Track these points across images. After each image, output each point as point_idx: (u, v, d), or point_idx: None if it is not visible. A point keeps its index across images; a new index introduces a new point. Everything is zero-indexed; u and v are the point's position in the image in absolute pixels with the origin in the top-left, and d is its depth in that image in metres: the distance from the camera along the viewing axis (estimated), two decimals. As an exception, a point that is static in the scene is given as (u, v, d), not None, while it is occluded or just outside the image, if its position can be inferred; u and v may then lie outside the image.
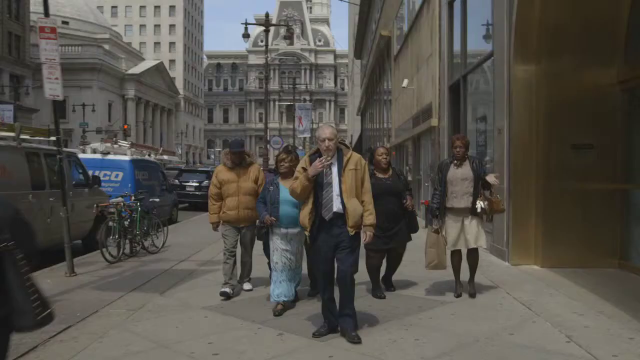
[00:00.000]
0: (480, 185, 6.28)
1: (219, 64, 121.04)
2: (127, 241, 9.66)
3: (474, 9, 10.91)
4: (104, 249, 8.99)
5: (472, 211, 6.27)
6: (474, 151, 9.71)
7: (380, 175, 6.62)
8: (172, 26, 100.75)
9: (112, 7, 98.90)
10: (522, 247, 7.99)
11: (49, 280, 7.78)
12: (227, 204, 6.69)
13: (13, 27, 49.67)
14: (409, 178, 17.57)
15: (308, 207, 4.87)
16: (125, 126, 56.67)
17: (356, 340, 4.68)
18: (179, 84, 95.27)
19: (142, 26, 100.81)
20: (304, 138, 44.32)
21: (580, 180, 7.84)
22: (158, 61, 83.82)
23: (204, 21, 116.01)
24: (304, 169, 4.85)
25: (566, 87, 7.65)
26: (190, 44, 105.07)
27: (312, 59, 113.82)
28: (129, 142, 19.65)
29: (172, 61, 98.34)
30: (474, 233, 6.34)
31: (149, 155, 17.74)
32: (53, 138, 9.43)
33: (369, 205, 4.88)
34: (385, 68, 27.45)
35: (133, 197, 10.25)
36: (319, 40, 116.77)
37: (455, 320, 5.46)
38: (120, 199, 9.94)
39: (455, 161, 6.39)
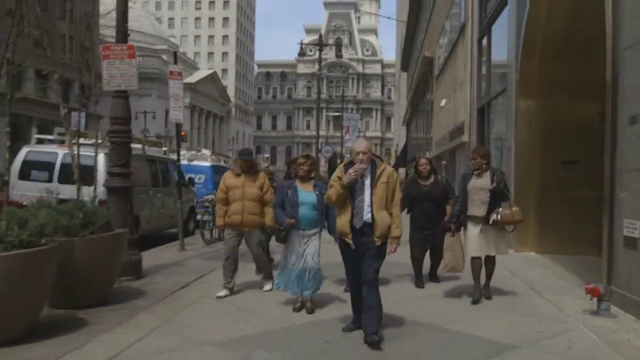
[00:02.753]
0: (496, 197, 6.54)
1: (268, 73, 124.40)
2: (216, 228, 12.49)
3: (496, 48, 13.40)
4: (203, 233, 11.88)
5: (487, 220, 6.54)
6: (495, 165, 12.13)
7: (421, 182, 7.56)
8: (225, 37, 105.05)
9: (169, 18, 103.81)
10: (522, 238, 10.42)
11: (168, 253, 10.67)
12: (232, 208, 6.91)
13: (84, 40, 53.88)
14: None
15: (347, 215, 5.06)
16: (183, 133, 60.29)
17: (372, 341, 4.88)
18: (231, 92, 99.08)
19: (197, 37, 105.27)
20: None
21: (568, 188, 10.22)
22: (212, 70, 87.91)
23: (255, 31, 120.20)
24: (339, 178, 5.04)
25: (558, 117, 10.06)
26: (242, 53, 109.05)
27: (359, 69, 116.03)
28: (210, 151, 22.74)
29: (224, 70, 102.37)
30: (493, 241, 6.60)
31: (224, 161, 20.78)
32: (165, 148, 12.39)
33: (396, 218, 5.08)
34: (429, 84, 29.85)
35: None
36: (367, 50, 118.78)
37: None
38: (212, 195, 12.80)
39: (476, 172, 6.72)
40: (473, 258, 6.70)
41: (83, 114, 47.02)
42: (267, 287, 7.20)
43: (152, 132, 57.63)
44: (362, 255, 5.06)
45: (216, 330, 5.47)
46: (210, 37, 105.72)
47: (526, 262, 9.58)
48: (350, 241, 5.07)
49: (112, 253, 6.56)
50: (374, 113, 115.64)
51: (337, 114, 67.80)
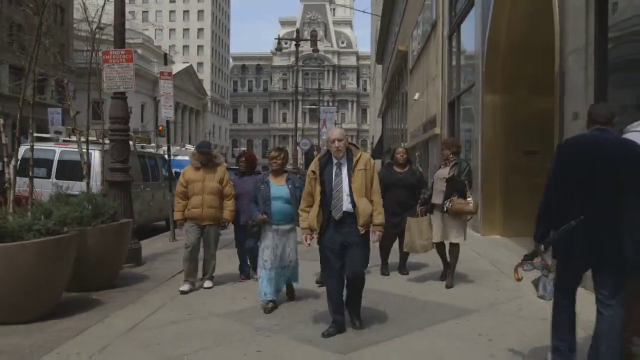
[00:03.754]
0: (454, 186, 6.84)
1: (244, 66, 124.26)
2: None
3: (465, 45, 14.30)
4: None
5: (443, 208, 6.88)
6: (464, 155, 13.03)
7: (397, 169, 7.68)
8: (200, 30, 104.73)
9: (144, 11, 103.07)
10: (489, 222, 11.35)
11: (160, 243, 11.37)
12: (191, 202, 6.83)
13: (58, 36, 53.72)
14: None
15: (315, 209, 5.01)
16: (160, 127, 60.51)
17: (358, 326, 5.13)
18: (207, 86, 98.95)
19: (172, 30, 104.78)
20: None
21: (529, 175, 11.10)
22: (188, 64, 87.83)
23: (230, 24, 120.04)
24: (313, 172, 5.07)
25: (519, 111, 10.98)
26: (217, 46, 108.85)
27: (335, 61, 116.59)
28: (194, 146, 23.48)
29: (200, 64, 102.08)
30: (452, 229, 6.96)
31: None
32: (154, 144, 13.04)
33: (378, 205, 5.02)
34: (403, 77, 30.75)
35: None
36: (342, 42, 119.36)
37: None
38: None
39: (443, 162, 7.26)
40: (437, 243, 7.10)
41: (59, 110, 47.06)
42: (208, 284, 7.08)
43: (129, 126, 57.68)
44: (346, 248, 4.96)
45: (218, 305, 6.24)
46: (186, 30, 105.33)
47: (492, 244, 10.51)
48: (316, 236, 5.07)
49: (119, 241, 7.29)
50: (349, 105, 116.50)
51: (314, 106, 68.41)
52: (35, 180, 7.38)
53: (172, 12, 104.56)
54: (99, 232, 6.81)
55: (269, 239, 5.99)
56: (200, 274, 7.18)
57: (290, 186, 6.03)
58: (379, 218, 5.01)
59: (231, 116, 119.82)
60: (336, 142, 4.95)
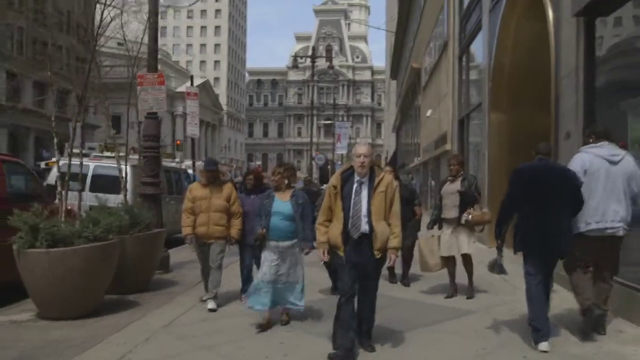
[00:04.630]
0: (466, 200, 7.13)
1: (259, 80, 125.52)
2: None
3: (473, 66, 14.99)
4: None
5: (459, 221, 7.10)
6: (474, 170, 13.68)
7: None
8: (217, 45, 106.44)
9: (162, 27, 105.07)
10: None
11: (184, 253, 12.09)
12: (198, 220, 6.71)
13: (80, 52, 55.13)
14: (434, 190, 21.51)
15: (339, 226, 4.86)
16: (178, 142, 61.69)
17: (370, 350, 5.02)
18: (223, 100, 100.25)
19: (189, 45, 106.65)
20: (342, 154, 48.28)
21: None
22: (205, 79, 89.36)
23: (246, 39, 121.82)
24: (335, 187, 4.96)
25: (523, 129, 11.57)
26: (233, 61, 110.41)
27: (349, 75, 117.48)
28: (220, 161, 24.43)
29: (216, 79, 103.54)
30: (464, 241, 7.16)
31: (228, 170, 22.32)
32: (177, 159, 13.86)
33: (395, 228, 4.88)
34: (417, 93, 31.47)
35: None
36: (357, 57, 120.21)
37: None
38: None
39: (450, 177, 7.42)
40: (447, 257, 7.31)
41: (79, 124, 48.22)
42: (212, 305, 6.73)
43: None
44: (360, 271, 4.88)
45: (243, 306, 6.91)
46: (202, 45, 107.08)
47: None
48: (342, 254, 4.86)
49: (153, 249, 8.05)
50: (364, 119, 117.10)
51: (329, 122, 69.21)
52: (72, 192, 8.18)
53: (189, 27, 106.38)
54: (136, 240, 7.54)
55: (268, 253, 5.91)
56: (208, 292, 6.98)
57: (293, 202, 5.91)
58: (395, 242, 4.87)
59: (247, 130, 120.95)
60: (362, 157, 4.84)
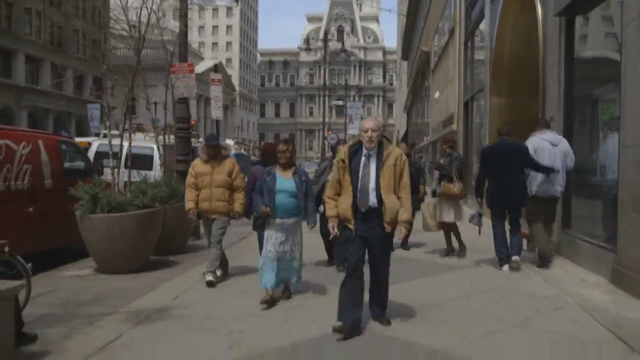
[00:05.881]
0: (443, 174, 8.39)
1: (271, 61, 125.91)
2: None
3: (477, 52, 15.94)
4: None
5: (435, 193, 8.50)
6: (478, 149, 14.66)
7: None
8: (229, 27, 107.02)
9: (174, 9, 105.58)
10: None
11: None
12: (201, 195, 6.80)
13: (96, 35, 56.07)
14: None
15: (349, 200, 4.82)
16: (193, 122, 62.90)
17: (386, 324, 4.99)
18: (235, 81, 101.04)
19: (201, 27, 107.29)
20: (353, 134, 49.17)
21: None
22: (217, 60, 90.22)
23: (257, 20, 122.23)
24: (343, 161, 4.90)
25: (521, 112, 12.56)
26: (245, 42, 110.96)
27: (361, 56, 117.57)
28: (234, 140, 25.47)
29: (228, 60, 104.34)
30: (445, 211, 8.34)
31: (243, 150, 23.46)
32: (201, 139, 15.03)
33: (405, 201, 4.83)
34: (426, 75, 32.34)
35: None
36: (369, 37, 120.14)
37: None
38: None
39: (442, 157, 9.00)
40: (441, 222, 8.50)
41: (98, 106, 49.45)
42: (209, 277, 6.73)
43: (162, 122, 59.98)
44: (369, 245, 4.87)
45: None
46: (215, 27, 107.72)
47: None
48: (352, 227, 4.83)
49: (187, 217, 9.18)
50: (375, 100, 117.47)
51: (340, 102, 69.90)
52: (108, 169, 9.35)
53: (201, 9, 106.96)
54: (174, 210, 8.69)
55: (273, 230, 5.88)
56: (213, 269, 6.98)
57: (297, 180, 5.90)
58: (405, 215, 4.83)
59: (259, 110, 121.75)
60: (370, 131, 4.78)
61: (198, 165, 6.92)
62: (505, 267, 7.32)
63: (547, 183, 7.42)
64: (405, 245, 9.25)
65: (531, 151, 7.36)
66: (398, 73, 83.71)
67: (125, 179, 9.20)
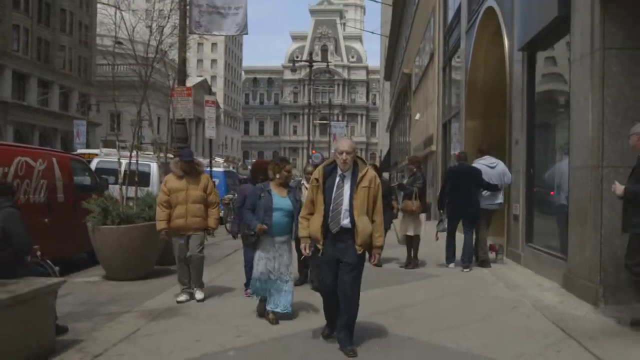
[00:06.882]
0: (406, 193, 9.28)
1: (255, 79, 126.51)
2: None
3: (455, 77, 17.01)
4: (226, 225, 15.30)
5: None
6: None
7: None
8: (214, 44, 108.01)
9: (159, 26, 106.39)
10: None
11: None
12: (175, 212, 6.61)
13: (82, 52, 56.45)
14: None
15: (319, 220, 4.80)
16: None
17: (351, 355, 4.68)
18: (220, 99, 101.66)
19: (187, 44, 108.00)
20: (338, 152, 50.01)
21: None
22: (202, 78, 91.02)
23: (243, 37, 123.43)
24: (317, 180, 4.89)
25: (493, 134, 13.58)
26: (230, 60, 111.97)
27: (345, 75, 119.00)
28: (224, 158, 26.36)
29: (213, 77, 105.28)
30: (409, 225, 9.25)
31: (232, 167, 24.28)
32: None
33: (379, 226, 4.83)
34: (408, 95, 33.48)
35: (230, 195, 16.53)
36: (352, 57, 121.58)
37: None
38: (230, 195, 16.20)
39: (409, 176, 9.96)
40: (405, 236, 9.36)
41: (84, 122, 49.58)
42: (200, 295, 6.85)
43: (147, 138, 60.35)
44: (337, 263, 4.82)
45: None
46: (200, 44, 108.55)
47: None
48: (320, 247, 4.83)
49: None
50: (359, 118, 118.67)
51: (324, 121, 71.02)
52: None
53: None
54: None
55: (266, 250, 5.83)
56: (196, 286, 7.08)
57: (292, 198, 5.91)
58: (380, 240, 4.85)
59: (243, 128, 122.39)
60: (344, 154, 4.77)
61: (171, 180, 6.74)
62: (452, 264, 9.10)
63: (491, 198, 9.34)
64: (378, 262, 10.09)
65: None
66: (381, 93, 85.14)
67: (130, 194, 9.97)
